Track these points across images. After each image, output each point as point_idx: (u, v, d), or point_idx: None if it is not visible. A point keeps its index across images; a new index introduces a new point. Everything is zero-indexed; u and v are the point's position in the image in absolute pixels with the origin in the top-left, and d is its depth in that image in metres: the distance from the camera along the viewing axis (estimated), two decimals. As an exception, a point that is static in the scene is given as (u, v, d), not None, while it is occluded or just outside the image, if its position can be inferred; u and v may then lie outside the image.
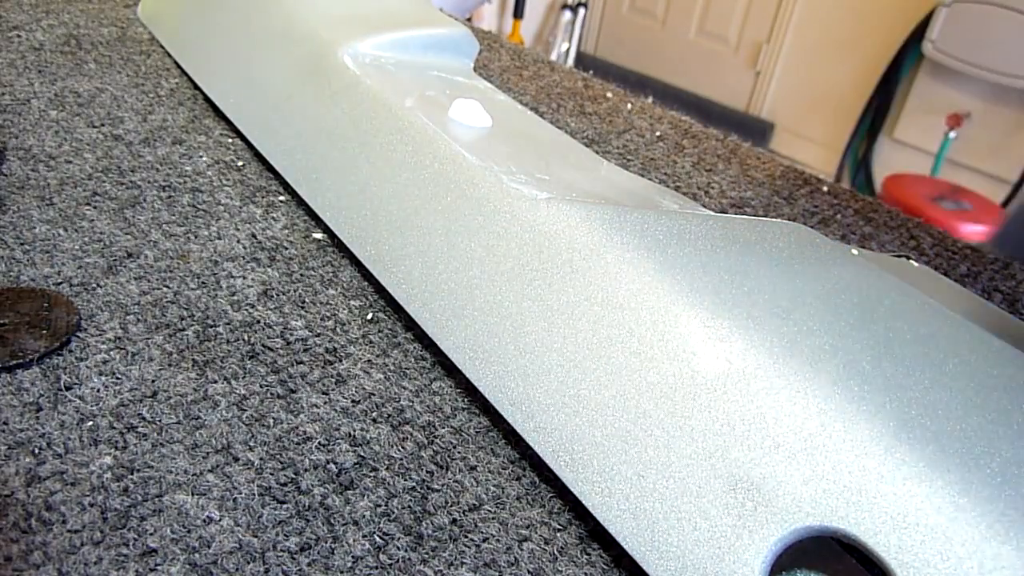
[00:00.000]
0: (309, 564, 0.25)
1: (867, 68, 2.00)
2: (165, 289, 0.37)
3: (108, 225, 0.40)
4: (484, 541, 0.27)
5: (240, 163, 0.48)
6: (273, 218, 0.43)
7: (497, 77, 0.69)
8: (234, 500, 0.27)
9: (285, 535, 0.26)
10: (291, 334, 0.35)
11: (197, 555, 0.25)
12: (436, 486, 0.29)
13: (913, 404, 0.25)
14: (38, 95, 0.51)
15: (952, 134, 1.84)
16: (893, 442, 0.24)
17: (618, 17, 2.52)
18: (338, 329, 0.36)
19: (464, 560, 0.26)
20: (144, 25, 0.65)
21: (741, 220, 0.34)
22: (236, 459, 0.29)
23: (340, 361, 0.34)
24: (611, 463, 0.27)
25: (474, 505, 0.29)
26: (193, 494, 0.27)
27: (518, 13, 2.35)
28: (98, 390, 0.31)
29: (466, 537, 0.27)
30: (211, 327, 0.35)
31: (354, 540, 0.26)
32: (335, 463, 0.29)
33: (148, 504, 0.26)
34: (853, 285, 0.31)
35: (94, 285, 0.36)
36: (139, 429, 0.29)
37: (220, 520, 0.26)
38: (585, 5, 2.48)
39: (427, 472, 0.29)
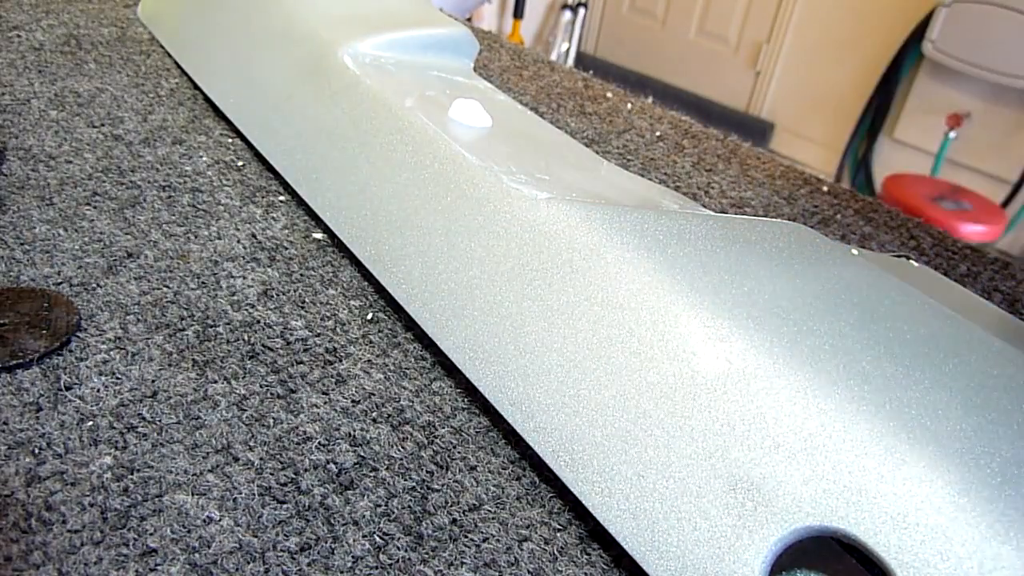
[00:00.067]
0: (309, 564, 0.25)
1: (867, 68, 2.00)
2: (165, 289, 0.37)
3: (108, 225, 0.40)
4: (484, 541, 0.27)
5: (240, 163, 0.48)
6: (273, 218, 0.43)
7: (497, 77, 0.69)
8: (234, 500, 0.27)
9: (285, 535, 0.26)
10: (291, 334, 0.35)
11: (197, 555, 0.25)
12: (436, 486, 0.29)
13: (913, 404, 0.25)
14: (38, 95, 0.51)
15: (952, 134, 1.84)
16: (893, 442, 0.24)
17: (618, 17, 2.52)
18: (338, 329, 0.36)
19: (464, 560, 0.26)
20: (144, 25, 0.65)
21: (741, 220, 0.34)
22: (236, 459, 0.29)
23: (340, 361, 0.34)
24: (611, 463, 0.27)
25: (474, 505, 0.29)
26: (193, 494, 0.27)
27: (518, 13, 2.35)
28: (98, 390, 0.31)
29: (466, 537, 0.27)
30: (211, 327, 0.35)
31: (354, 540, 0.26)
32: (335, 463, 0.29)
33: (148, 504, 0.26)
34: (853, 285, 0.31)
35: (94, 285, 0.36)
36: (139, 429, 0.29)
37: (220, 520, 0.26)
38: (585, 5, 2.48)
39: (427, 472, 0.29)
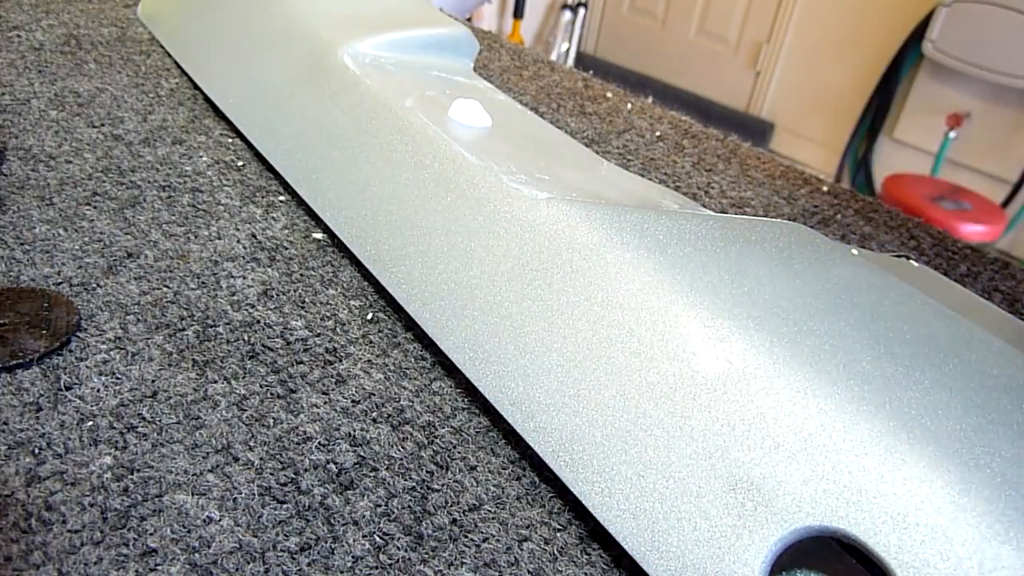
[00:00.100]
0: (309, 564, 0.25)
1: (867, 68, 2.00)
2: (165, 289, 0.37)
3: (108, 225, 0.40)
4: (484, 541, 0.27)
5: (240, 163, 0.48)
6: (273, 218, 0.43)
7: (497, 77, 0.69)
8: (234, 500, 0.27)
9: (285, 535, 0.26)
10: (291, 334, 0.35)
11: (197, 555, 0.25)
12: (436, 486, 0.29)
13: (913, 404, 0.25)
14: (38, 95, 0.51)
15: (952, 134, 1.84)
16: (893, 442, 0.24)
17: (618, 17, 2.52)
18: (338, 329, 0.36)
19: (464, 560, 0.26)
20: (144, 25, 0.65)
21: (741, 220, 0.34)
22: (236, 459, 0.29)
23: (340, 361, 0.34)
24: (611, 463, 0.27)
25: (474, 505, 0.29)
26: (193, 494, 0.27)
27: (518, 13, 2.35)
28: (98, 390, 0.31)
29: (466, 537, 0.27)
30: (211, 327, 0.35)
31: (354, 540, 0.26)
32: (335, 463, 0.29)
33: (148, 504, 0.26)
34: (853, 285, 0.31)
35: (94, 285, 0.36)
36: (139, 429, 0.29)
37: (220, 520, 0.26)
38: (585, 5, 2.48)
39: (427, 472, 0.29)
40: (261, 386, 0.32)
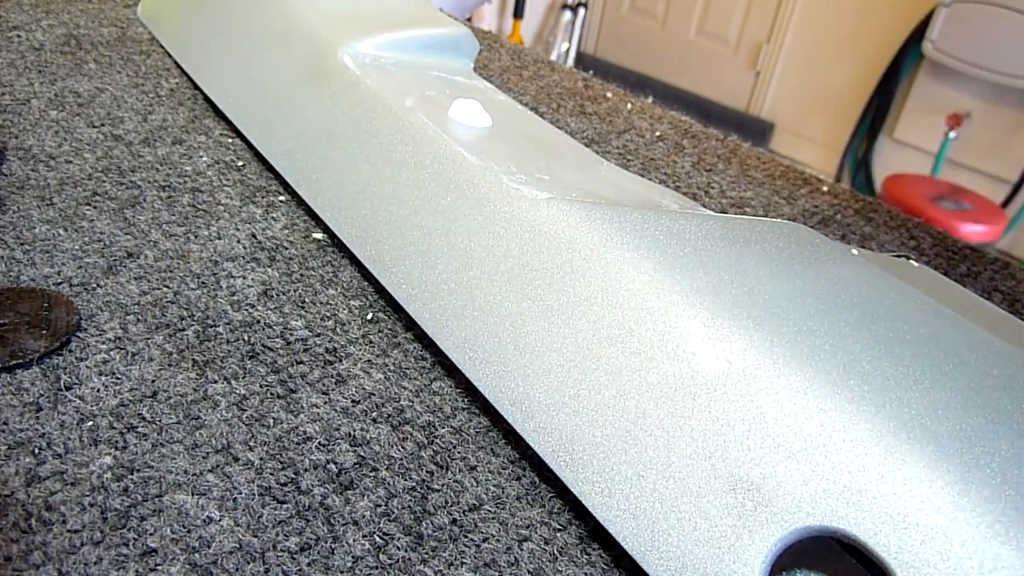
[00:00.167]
0: (309, 564, 0.25)
1: (867, 68, 2.00)
2: (165, 289, 0.37)
3: (108, 225, 0.40)
4: (484, 541, 0.27)
5: (240, 163, 0.48)
6: (273, 218, 0.43)
7: (497, 77, 0.69)
8: (234, 500, 0.27)
9: (285, 535, 0.26)
10: (291, 334, 0.35)
11: (197, 555, 0.25)
12: (436, 486, 0.29)
13: (913, 404, 0.25)
14: (38, 95, 0.51)
15: (952, 134, 1.84)
16: (893, 442, 0.24)
17: (618, 17, 2.52)
18: (338, 329, 0.36)
19: (464, 560, 0.26)
20: (144, 25, 0.65)
21: (741, 220, 0.34)
22: (236, 459, 0.29)
23: (340, 361, 0.34)
24: (611, 463, 0.27)
25: (474, 505, 0.29)
26: (193, 494, 0.27)
27: (518, 13, 2.36)
28: (98, 390, 0.31)
29: (466, 537, 0.27)
30: (211, 327, 0.35)
31: (354, 540, 0.26)
32: (335, 463, 0.29)
33: (148, 504, 0.26)
34: (853, 285, 0.31)
35: (94, 285, 0.36)
36: (139, 429, 0.29)
37: (220, 520, 0.26)
38: (585, 5, 2.48)
39: (427, 472, 0.29)
40: (261, 386, 0.32)
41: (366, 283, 0.39)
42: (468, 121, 0.42)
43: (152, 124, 0.50)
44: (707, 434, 0.26)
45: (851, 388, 0.25)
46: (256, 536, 0.26)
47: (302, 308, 0.37)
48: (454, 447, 0.31)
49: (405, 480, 0.29)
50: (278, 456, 0.29)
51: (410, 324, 0.37)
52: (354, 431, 0.31)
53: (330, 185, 0.41)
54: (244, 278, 0.38)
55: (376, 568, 0.26)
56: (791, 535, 0.23)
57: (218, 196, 0.44)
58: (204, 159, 0.48)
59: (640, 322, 0.29)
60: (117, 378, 0.31)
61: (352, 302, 0.38)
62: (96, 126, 0.49)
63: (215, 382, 0.32)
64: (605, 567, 0.27)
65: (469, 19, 2.22)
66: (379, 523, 0.27)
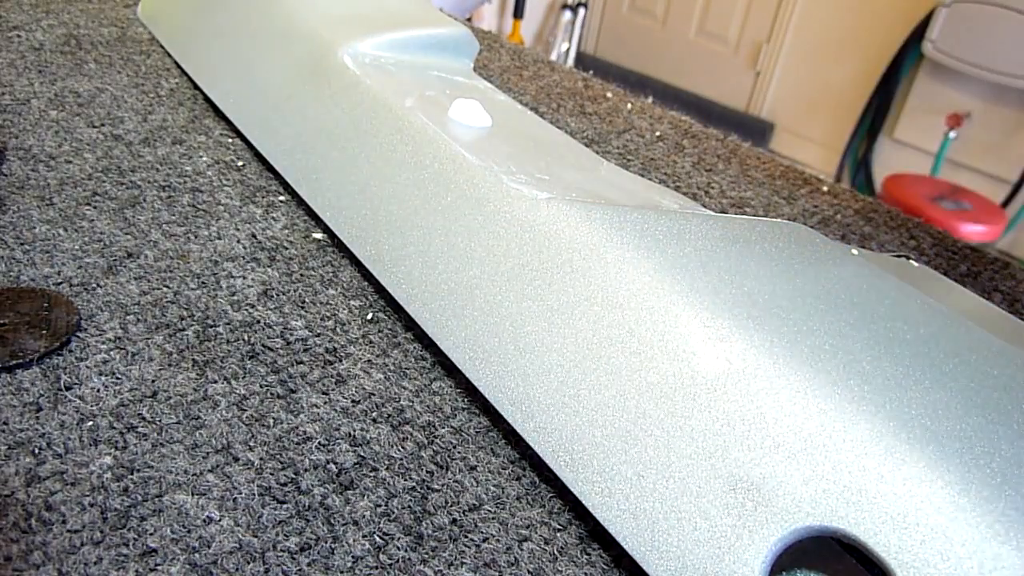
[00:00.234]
0: (309, 564, 0.25)
1: (867, 68, 2.00)
2: (165, 289, 0.37)
3: (108, 225, 0.40)
4: (484, 541, 0.27)
5: (240, 163, 0.48)
6: (273, 218, 0.43)
7: (497, 77, 0.69)
8: (234, 500, 0.27)
9: (285, 535, 0.26)
10: (291, 334, 0.35)
11: (197, 555, 0.25)
12: (436, 486, 0.29)
13: (913, 404, 0.25)
14: (38, 95, 0.51)
15: (952, 134, 1.84)
16: (893, 442, 0.24)
17: (618, 17, 2.52)
18: (338, 329, 0.36)
19: (464, 560, 0.26)
20: (144, 25, 0.65)
21: (741, 220, 0.34)
22: (236, 459, 0.29)
23: (340, 361, 0.34)
24: (611, 463, 0.27)
25: (474, 505, 0.29)
26: (193, 494, 0.27)
27: (518, 13, 2.36)
28: (98, 390, 0.31)
29: (466, 537, 0.27)
30: (211, 327, 0.35)
31: (354, 540, 0.26)
32: (335, 463, 0.29)
33: (148, 504, 0.26)
34: (853, 285, 0.31)
35: (94, 285, 0.36)
36: (139, 429, 0.29)
37: (220, 520, 0.26)
38: (585, 5, 2.48)
39: (427, 472, 0.29)
40: (261, 386, 0.32)
41: (366, 283, 0.39)
42: (468, 121, 0.42)
43: (152, 124, 0.50)
44: (707, 434, 0.26)
45: (851, 388, 0.25)
46: (256, 536, 0.26)
47: (302, 308, 0.37)
48: (454, 447, 0.31)
49: (405, 480, 0.29)
50: (278, 456, 0.29)
51: (410, 324, 0.37)
52: (354, 431, 0.31)
53: (330, 185, 0.41)
54: (244, 278, 0.38)
55: (376, 568, 0.26)
56: (791, 535, 0.23)
57: (218, 196, 0.44)
58: (204, 159, 0.48)
59: (640, 322, 0.29)
60: (117, 378, 0.31)
61: (352, 302, 0.38)
62: (96, 126, 0.49)
63: (215, 382, 0.32)
64: (605, 567, 0.27)
65: (469, 19, 2.22)
66: (379, 523, 0.27)
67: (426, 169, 0.38)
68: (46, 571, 0.24)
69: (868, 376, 0.26)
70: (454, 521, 0.28)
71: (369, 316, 0.37)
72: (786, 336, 0.27)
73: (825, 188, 0.59)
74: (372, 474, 0.29)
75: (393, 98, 0.42)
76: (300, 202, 0.45)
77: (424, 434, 0.31)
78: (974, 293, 0.40)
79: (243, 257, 0.40)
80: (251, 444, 0.29)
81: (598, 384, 0.28)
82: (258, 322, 0.35)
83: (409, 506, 0.28)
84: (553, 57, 2.00)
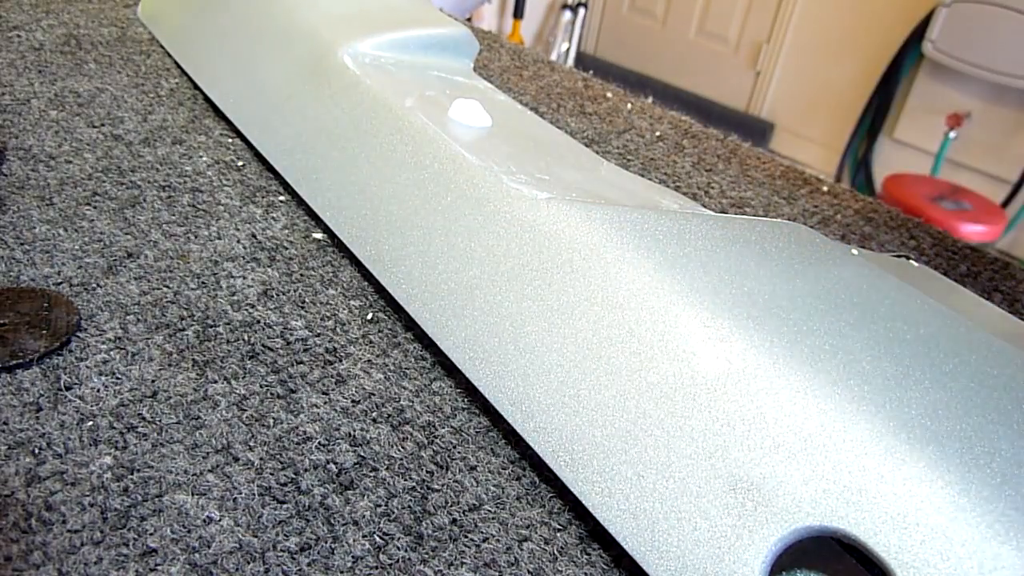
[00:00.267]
0: (309, 564, 0.25)
1: (867, 68, 2.00)
2: (165, 289, 0.37)
3: (108, 225, 0.40)
4: (484, 541, 0.27)
5: (240, 163, 0.48)
6: (273, 218, 0.43)
7: (497, 77, 0.69)
8: (234, 500, 0.27)
9: (285, 535, 0.26)
10: (291, 334, 0.35)
11: (197, 555, 0.25)
12: (436, 486, 0.29)
13: (913, 404, 0.25)
14: (38, 95, 0.51)
15: (952, 134, 1.84)
16: (893, 442, 0.24)
17: (618, 17, 2.52)
18: (338, 329, 0.36)
19: (464, 560, 0.26)
20: (144, 25, 0.65)
21: (741, 220, 0.34)
22: (236, 459, 0.29)
23: (340, 361, 0.34)
24: (611, 463, 0.27)
25: (474, 505, 0.29)
26: (193, 494, 0.27)
27: (518, 13, 2.36)
28: (98, 390, 0.31)
29: (466, 537, 0.27)
30: (211, 327, 0.35)
31: (354, 540, 0.26)
32: (335, 463, 0.29)
33: (148, 504, 0.26)
34: (853, 285, 0.31)
35: (94, 285, 0.36)
36: (139, 429, 0.29)
37: (220, 520, 0.26)
38: (585, 5, 2.48)
39: (427, 472, 0.29)
40: (261, 386, 0.32)
41: (366, 283, 0.39)
42: (468, 121, 0.42)
43: (152, 124, 0.50)
44: (707, 434, 0.26)
45: (851, 388, 0.25)
46: (256, 536, 0.26)
47: (302, 308, 0.37)
48: (454, 447, 0.31)
49: (405, 480, 0.29)
50: (278, 456, 0.29)
51: (410, 324, 0.37)
52: (354, 431, 0.31)
53: (330, 185, 0.41)
54: (244, 278, 0.38)
55: (376, 568, 0.26)
56: (791, 535, 0.23)
57: (218, 196, 0.44)
58: (204, 159, 0.48)
59: (640, 322, 0.29)
60: (117, 378, 0.31)
61: (352, 302, 0.38)
62: (96, 126, 0.49)
63: (215, 382, 0.32)
64: (605, 567, 0.27)
65: (469, 19, 2.22)
66: (379, 523, 0.27)
67: (426, 169, 0.38)
68: (46, 571, 0.24)
69: (868, 376, 0.26)
70: (454, 521, 0.28)
71: (369, 316, 0.37)
72: (786, 336, 0.27)
73: (825, 188, 0.59)
74: (372, 474, 0.29)
75: (393, 98, 0.42)
76: (300, 202, 0.45)
77: (424, 434, 0.31)
78: (974, 293, 0.40)
79: (243, 257, 0.40)
80: (251, 444, 0.29)
81: (598, 384, 0.28)
82: (258, 322, 0.35)
83: (409, 506, 0.28)
84: (553, 57, 2.00)
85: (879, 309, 0.30)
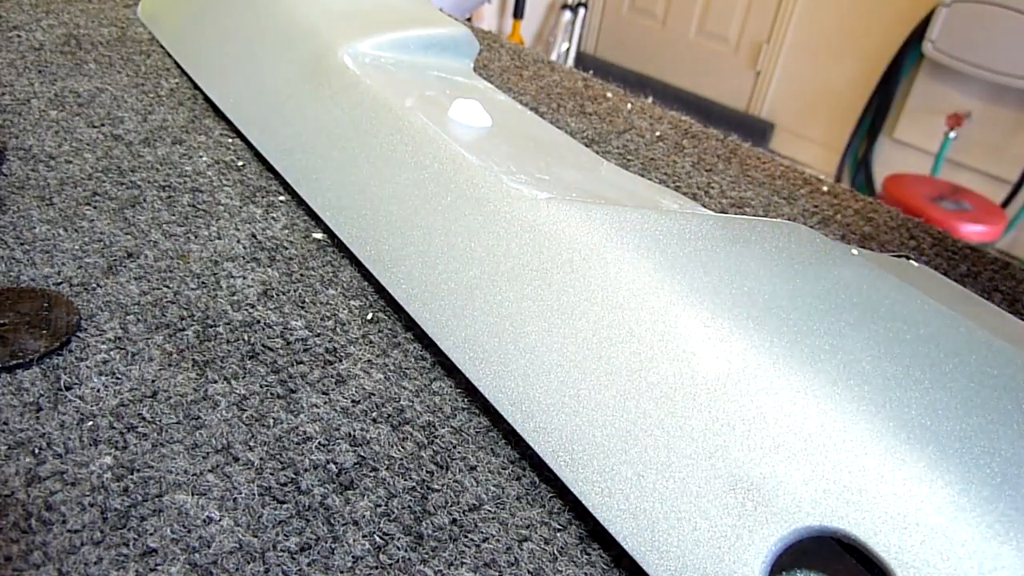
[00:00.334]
0: (309, 564, 0.25)
1: (867, 68, 2.00)
2: (165, 289, 0.37)
3: (108, 225, 0.40)
4: (484, 541, 0.27)
5: (240, 163, 0.48)
6: (273, 218, 0.43)
7: (497, 77, 0.69)
8: (234, 500, 0.27)
9: (285, 535, 0.26)
10: (291, 334, 0.35)
11: (197, 555, 0.25)
12: (436, 486, 0.29)
13: (913, 404, 0.25)
14: (38, 95, 0.51)
15: (952, 134, 1.84)
16: (893, 442, 0.24)
17: (618, 17, 2.52)
18: (338, 329, 0.36)
19: (464, 560, 0.26)
20: (144, 25, 0.65)
21: (741, 220, 0.34)
22: (236, 459, 0.29)
23: (340, 361, 0.34)
24: (611, 463, 0.27)
25: (474, 505, 0.29)
26: (193, 494, 0.27)
27: (518, 13, 2.36)
28: (98, 390, 0.31)
29: (466, 537, 0.27)
30: (211, 327, 0.35)
31: (354, 540, 0.26)
32: (335, 463, 0.29)
33: (148, 504, 0.26)
34: (853, 285, 0.31)
35: (94, 285, 0.36)
36: (139, 429, 0.29)
37: (220, 520, 0.26)
38: (585, 5, 2.48)
39: (427, 472, 0.29)
40: (261, 386, 0.32)
41: (366, 283, 0.39)
42: (468, 121, 0.42)
43: (152, 124, 0.50)
44: (707, 434, 0.26)
45: (851, 388, 0.25)
46: (256, 536, 0.26)
47: (302, 308, 0.37)
48: (454, 447, 0.31)
49: (405, 480, 0.29)
50: (278, 456, 0.29)
51: (410, 324, 0.37)
52: (354, 431, 0.31)
53: (330, 185, 0.41)
54: (244, 278, 0.38)
55: (376, 568, 0.26)
56: (791, 535, 0.23)
57: (218, 196, 0.44)
58: (204, 159, 0.48)
59: (640, 322, 0.29)
60: (117, 378, 0.31)
61: (352, 302, 0.38)
62: (96, 126, 0.49)
63: (215, 382, 0.32)
64: (605, 567, 0.27)
65: (469, 19, 2.22)
66: (379, 523, 0.27)
67: (426, 169, 0.38)
68: (46, 571, 0.24)
69: (868, 376, 0.26)
70: (454, 521, 0.28)
71: (369, 316, 0.37)
72: (786, 336, 0.27)
73: (825, 188, 0.59)
74: (372, 474, 0.29)
75: (393, 98, 0.42)
76: (300, 202, 0.45)
77: (424, 434, 0.31)
78: (974, 293, 0.40)
79: (243, 257, 0.40)
80: (251, 444, 0.29)
81: (598, 384, 0.28)
82: (258, 322, 0.35)
83: (409, 506, 0.28)
84: (553, 57, 2.00)
85: (879, 309, 0.30)
